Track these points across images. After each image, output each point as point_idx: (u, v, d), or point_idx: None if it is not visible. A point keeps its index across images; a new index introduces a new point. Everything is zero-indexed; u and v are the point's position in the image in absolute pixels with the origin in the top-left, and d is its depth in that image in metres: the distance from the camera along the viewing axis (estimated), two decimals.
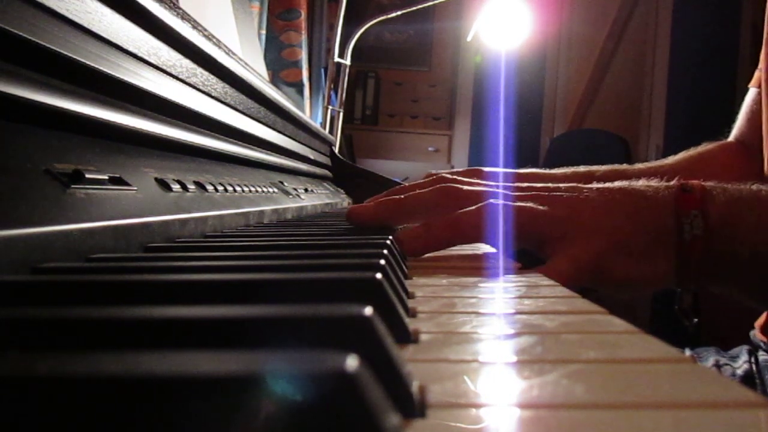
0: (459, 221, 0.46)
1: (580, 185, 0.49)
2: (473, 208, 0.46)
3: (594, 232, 0.45)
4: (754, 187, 0.46)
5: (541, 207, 0.46)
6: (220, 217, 0.51)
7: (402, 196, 0.52)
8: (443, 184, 0.51)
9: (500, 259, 0.45)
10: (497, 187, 0.51)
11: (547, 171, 0.75)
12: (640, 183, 0.48)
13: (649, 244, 0.45)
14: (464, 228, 0.46)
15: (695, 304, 0.49)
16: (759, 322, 0.76)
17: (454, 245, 0.48)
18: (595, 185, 0.48)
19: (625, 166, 0.75)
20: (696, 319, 0.49)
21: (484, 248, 0.54)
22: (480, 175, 0.72)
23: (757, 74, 0.75)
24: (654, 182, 0.47)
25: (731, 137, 0.81)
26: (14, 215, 0.26)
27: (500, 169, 0.74)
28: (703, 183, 0.45)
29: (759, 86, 0.73)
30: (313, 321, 0.16)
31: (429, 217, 0.49)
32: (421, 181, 0.58)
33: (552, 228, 0.46)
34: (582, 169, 0.74)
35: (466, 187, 0.50)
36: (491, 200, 0.47)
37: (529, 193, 0.48)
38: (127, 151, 0.43)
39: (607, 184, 0.48)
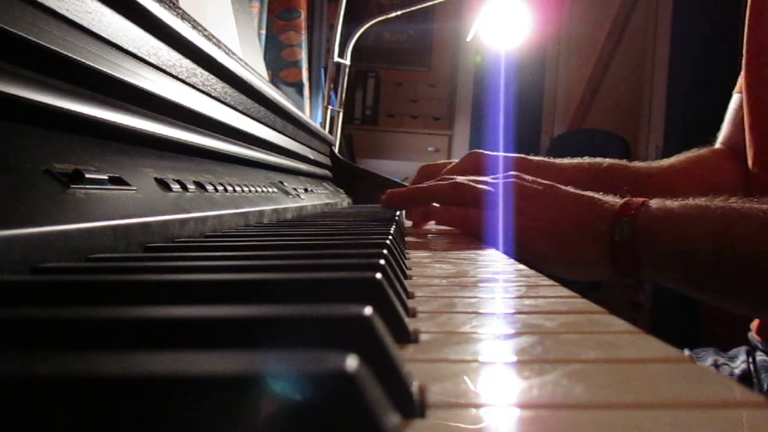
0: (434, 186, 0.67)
1: (554, 183, 0.61)
2: (447, 182, 0.66)
3: (524, 213, 0.59)
4: (690, 199, 0.55)
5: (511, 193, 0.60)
6: (219, 217, 0.51)
7: (427, 185, 0.70)
8: (456, 182, 0.66)
9: (500, 258, 0.46)
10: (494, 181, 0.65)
11: (553, 160, 0.78)
12: (602, 196, 0.59)
13: (578, 238, 0.57)
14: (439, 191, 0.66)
15: (651, 300, 0.61)
16: (755, 323, 0.76)
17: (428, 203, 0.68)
18: (563, 187, 0.60)
19: (625, 162, 0.79)
20: (649, 317, 0.58)
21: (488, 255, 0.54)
22: (480, 159, 0.76)
23: (740, 80, 0.77)
24: (611, 197, 0.59)
25: (718, 143, 0.83)
26: (14, 215, 0.26)
27: (501, 153, 0.77)
28: (645, 199, 0.56)
29: (742, 92, 0.75)
30: (313, 321, 0.16)
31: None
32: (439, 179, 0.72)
33: (516, 202, 0.60)
34: (587, 160, 0.78)
35: (474, 186, 0.64)
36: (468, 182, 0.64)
37: (503, 181, 0.62)
38: (127, 151, 0.43)
39: (570, 189, 0.60)
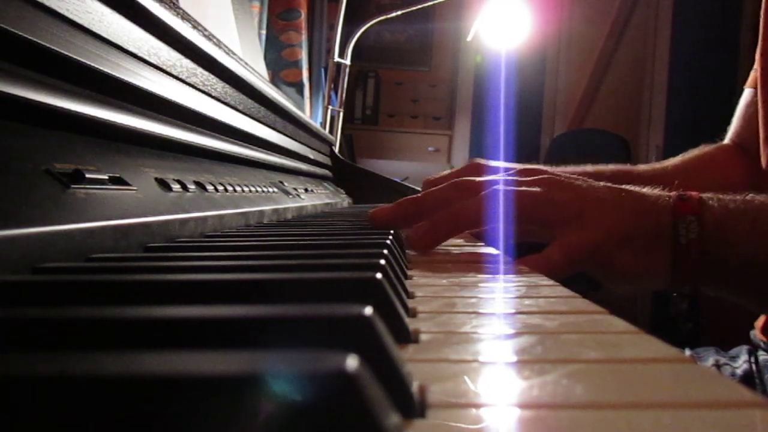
0: (460, 211, 0.48)
1: (587, 178, 0.50)
2: (474, 198, 0.48)
3: (597, 222, 0.46)
4: (748, 196, 0.48)
5: (544, 191, 0.47)
6: (219, 217, 0.51)
7: (418, 195, 0.54)
8: (455, 179, 0.53)
9: (500, 258, 0.46)
10: (505, 177, 0.53)
11: (554, 168, 0.76)
12: (644, 188, 0.50)
13: (648, 243, 0.47)
14: (466, 216, 0.48)
15: (691, 308, 0.52)
16: (759, 322, 0.76)
17: (457, 233, 0.50)
18: (602, 183, 0.50)
19: (629, 166, 0.77)
20: (690, 324, 0.51)
21: (486, 249, 0.54)
22: (480, 169, 0.74)
23: (752, 75, 0.76)
24: (656, 189, 0.49)
25: (727, 139, 0.82)
26: (14, 215, 0.26)
27: (502, 163, 0.75)
28: (699, 193, 0.47)
29: (755, 87, 0.74)
30: (313, 321, 0.16)
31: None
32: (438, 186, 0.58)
33: (555, 212, 0.47)
34: (590, 168, 0.76)
35: (477, 179, 0.52)
36: (492, 188, 0.48)
37: (534, 178, 0.49)
38: (127, 151, 0.43)
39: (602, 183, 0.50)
